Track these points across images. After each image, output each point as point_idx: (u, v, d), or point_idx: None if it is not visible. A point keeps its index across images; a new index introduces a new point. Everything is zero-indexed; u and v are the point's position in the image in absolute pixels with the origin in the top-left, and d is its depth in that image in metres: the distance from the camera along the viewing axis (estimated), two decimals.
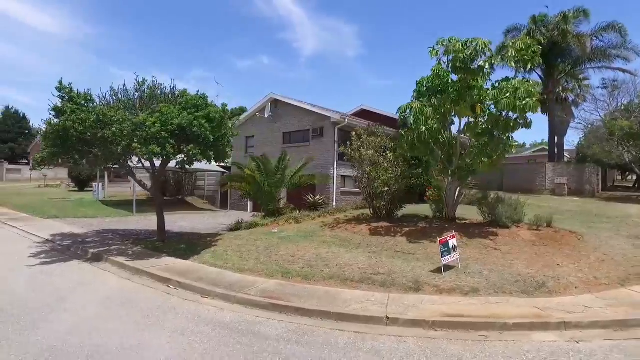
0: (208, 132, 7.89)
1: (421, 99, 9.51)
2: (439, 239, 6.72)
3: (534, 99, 8.15)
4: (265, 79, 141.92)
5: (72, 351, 3.89)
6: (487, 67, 8.72)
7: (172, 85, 9.37)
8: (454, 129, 10.25)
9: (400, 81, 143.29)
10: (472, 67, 8.69)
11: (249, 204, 20.81)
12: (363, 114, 23.10)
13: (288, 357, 3.89)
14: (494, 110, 8.95)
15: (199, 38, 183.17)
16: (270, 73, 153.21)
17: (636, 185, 29.89)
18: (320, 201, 16.42)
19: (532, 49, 8.68)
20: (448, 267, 6.58)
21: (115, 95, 9.03)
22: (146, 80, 9.10)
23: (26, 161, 46.55)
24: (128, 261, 7.61)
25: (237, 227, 11.92)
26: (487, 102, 8.99)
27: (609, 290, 5.82)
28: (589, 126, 22.84)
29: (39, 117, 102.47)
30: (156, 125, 7.45)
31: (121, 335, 4.33)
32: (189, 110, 7.92)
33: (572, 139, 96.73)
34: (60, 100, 7.87)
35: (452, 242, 6.70)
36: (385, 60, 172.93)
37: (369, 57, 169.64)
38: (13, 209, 16.17)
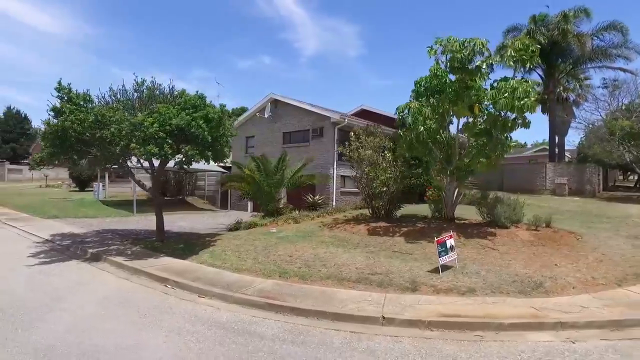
0: (206, 133, 7.90)
1: (419, 99, 9.50)
2: (436, 239, 6.73)
3: (532, 99, 8.15)
4: (266, 79, 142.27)
5: (70, 350, 3.91)
6: (484, 67, 8.70)
7: (171, 86, 9.43)
8: (453, 129, 10.27)
9: (401, 81, 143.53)
10: (469, 67, 8.67)
11: (249, 204, 20.84)
12: (363, 114, 23.09)
13: (283, 357, 3.91)
14: (492, 110, 8.94)
15: (199, 38, 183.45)
16: (271, 73, 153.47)
17: (637, 185, 29.82)
18: (319, 201, 16.42)
19: (531, 49, 8.66)
20: (445, 267, 6.59)
21: (114, 96, 9.07)
22: (145, 81, 9.15)
23: (27, 161, 46.67)
24: (126, 261, 7.64)
25: (236, 227, 11.94)
26: (486, 102, 8.98)
27: (606, 290, 5.83)
28: (590, 126, 22.79)
29: (38, 117, 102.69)
30: (154, 125, 7.48)
31: (118, 334, 4.36)
32: (187, 110, 7.93)
33: (572, 138, 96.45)
34: (59, 101, 7.90)
35: (450, 242, 6.71)
36: (386, 60, 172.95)
37: (369, 57, 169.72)
38: (13, 208, 16.23)
